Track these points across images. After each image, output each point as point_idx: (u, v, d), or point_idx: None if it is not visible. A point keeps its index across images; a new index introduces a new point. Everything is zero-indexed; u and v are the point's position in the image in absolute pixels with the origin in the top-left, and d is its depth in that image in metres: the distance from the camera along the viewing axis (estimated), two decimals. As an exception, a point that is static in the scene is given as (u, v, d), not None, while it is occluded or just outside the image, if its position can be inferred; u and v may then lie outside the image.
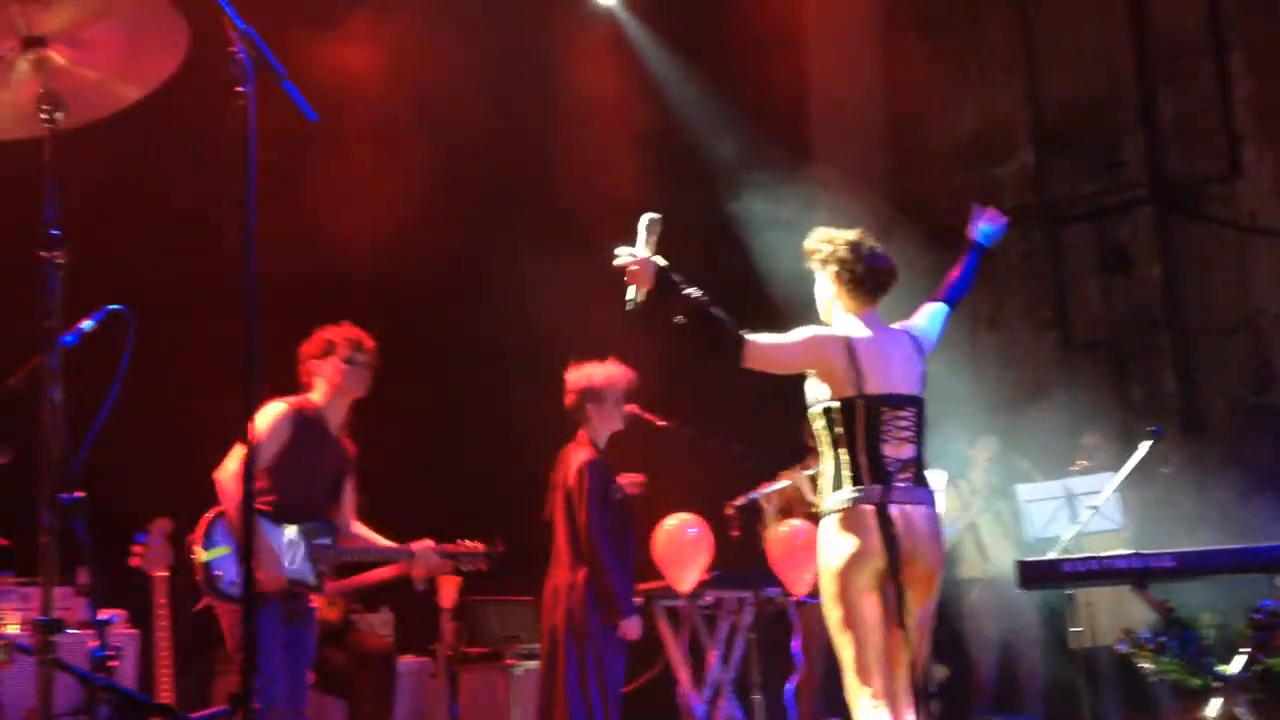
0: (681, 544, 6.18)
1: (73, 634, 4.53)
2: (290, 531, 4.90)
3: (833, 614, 4.02)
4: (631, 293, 4.10)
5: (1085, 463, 7.44)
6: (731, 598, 6.56)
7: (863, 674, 3.97)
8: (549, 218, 8.22)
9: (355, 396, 5.15)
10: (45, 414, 2.90)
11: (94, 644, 3.32)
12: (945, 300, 4.57)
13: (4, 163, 3.45)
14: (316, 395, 5.09)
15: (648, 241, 4.10)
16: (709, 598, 6.43)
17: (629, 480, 5.98)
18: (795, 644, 6.63)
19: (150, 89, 3.17)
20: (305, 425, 4.97)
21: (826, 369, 4.13)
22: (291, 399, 5.01)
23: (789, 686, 6.56)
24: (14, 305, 4.18)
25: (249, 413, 3.02)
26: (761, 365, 4.12)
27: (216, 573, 4.76)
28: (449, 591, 6.46)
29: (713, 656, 6.47)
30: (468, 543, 5.38)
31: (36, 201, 2.97)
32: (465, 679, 6.66)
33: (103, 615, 3.45)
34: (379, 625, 6.71)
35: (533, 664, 6.64)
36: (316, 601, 5.85)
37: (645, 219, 4.13)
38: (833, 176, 8.70)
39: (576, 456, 5.68)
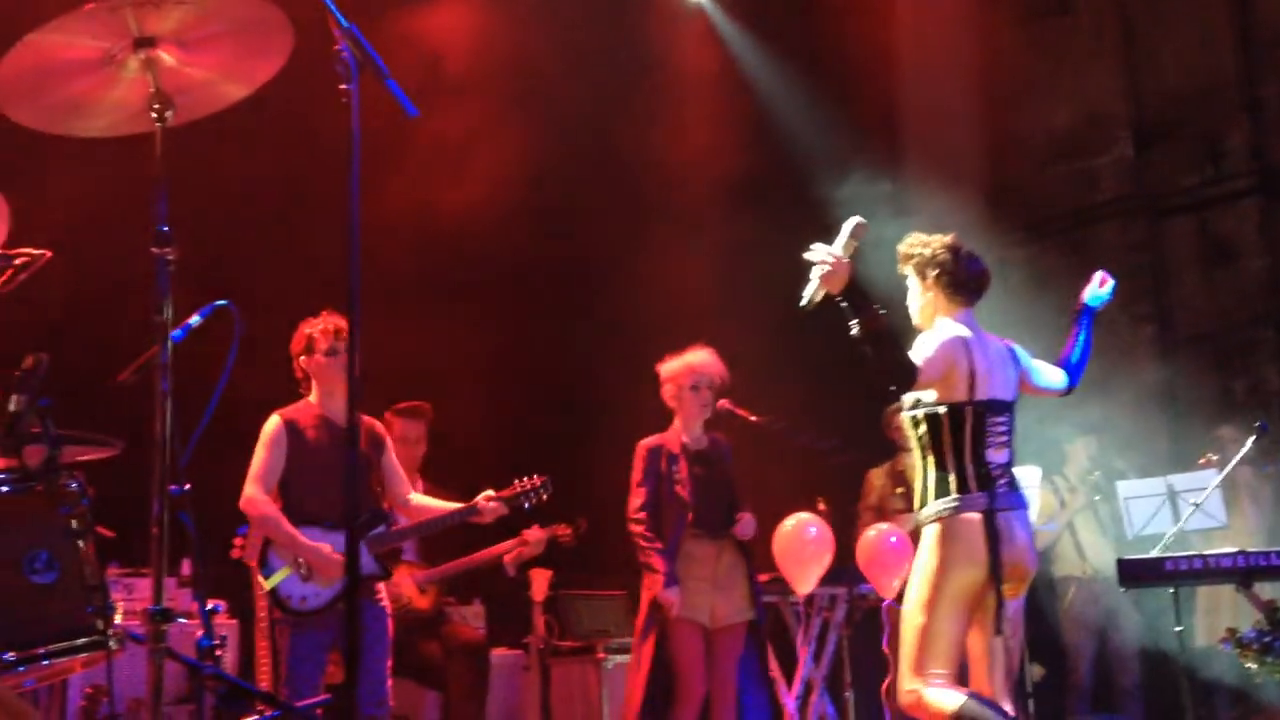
0: (803, 544, 6.13)
1: (181, 623, 4.64)
2: (337, 534, 4.85)
3: (915, 618, 4.03)
4: (810, 291, 3.99)
5: (1215, 456, 7.21)
6: (824, 594, 6.52)
7: (919, 668, 3.99)
8: (642, 206, 8.22)
9: (345, 384, 5.01)
10: (155, 407, 2.96)
11: (200, 633, 3.38)
12: (1068, 373, 4.50)
13: (116, 161, 3.52)
14: (312, 395, 5.10)
15: (847, 244, 4.00)
16: (801, 594, 6.40)
17: None
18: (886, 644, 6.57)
19: (255, 87, 3.22)
20: (302, 430, 4.98)
21: (947, 374, 4.08)
22: (285, 409, 5.04)
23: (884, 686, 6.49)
24: (124, 301, 4.31)
25: (353, 404, 3.03)
26: (919, 389, 4.08)
27: (284, 595, 4.83)
28: (540, 584, 6.49)
29: (804, 653, 6.43)
30: (523, 480, 5.30)
31: (147, 199, 3.03)
32: (557, 672, 6.68)
33: (211, 605, 3.51)
34: (471, 617, 6.76)
35: (623, 657, 6.67)
36: (407, 590, 5.97)
37: (851, 222, 4.02)
38: (926, 168, 8.59)
39: (642, 441, 5.77)
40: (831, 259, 3.95)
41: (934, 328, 4.23)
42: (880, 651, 6.33)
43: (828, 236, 7.67)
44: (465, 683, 5.97)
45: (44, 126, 3.17)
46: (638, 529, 5.64)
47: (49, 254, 3.90)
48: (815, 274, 3.98)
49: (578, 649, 6.85)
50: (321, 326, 5.05)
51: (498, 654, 6.51)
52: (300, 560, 4.84)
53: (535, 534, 6.24)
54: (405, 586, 6.02)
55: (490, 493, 5.22)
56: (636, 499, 5.68)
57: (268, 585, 4.84)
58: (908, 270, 4.34)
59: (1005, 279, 7.89)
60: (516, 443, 7.48)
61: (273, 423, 4.99)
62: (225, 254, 6.05)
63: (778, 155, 8.39)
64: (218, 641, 3.36)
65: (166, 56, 3.04)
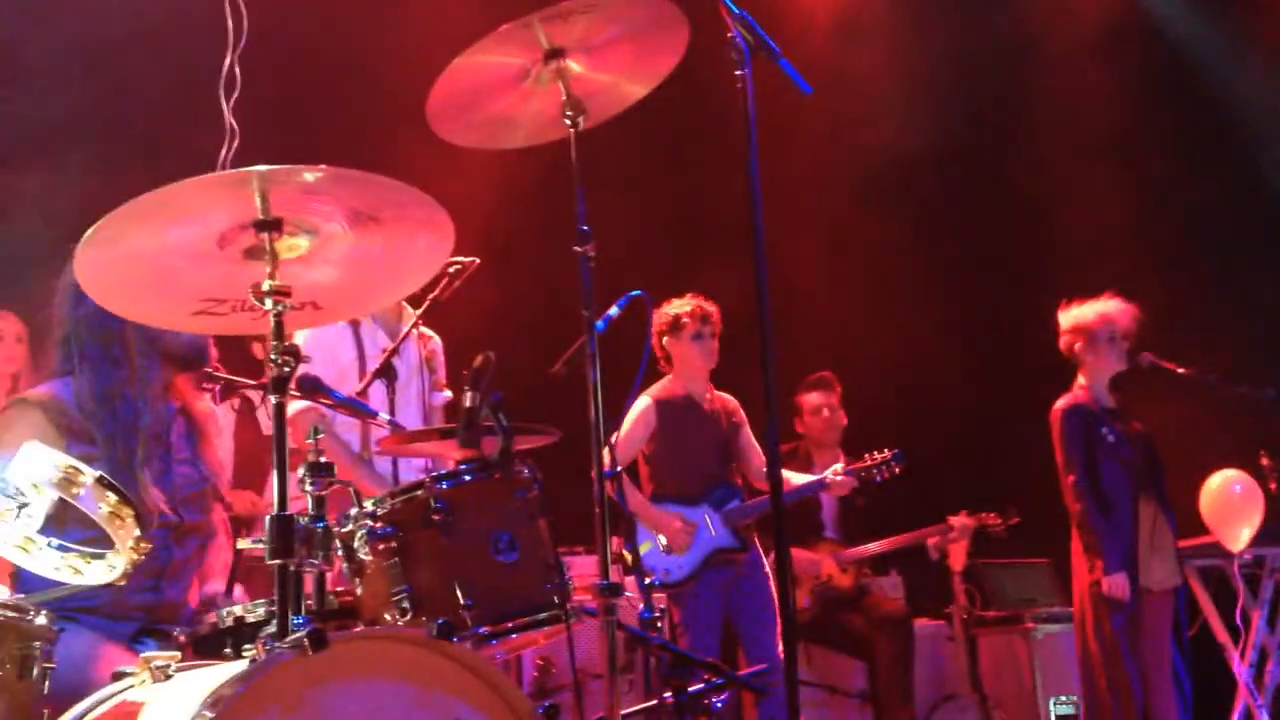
0: (1229, 501, 5.75)
1: (628, 597, 4.94)
2: (699, 507, 5.22)
3: None
4: None
5: None
6: (1275, 555, 6.04)
7: None
8: (1056, 150, 7.86)
9: (708, 368, 5.35)
10: (587, 396, 3.14)
11: (641, 606, 3.56)
12: None
13: (535, 166, 3.76)
14: (680, 376, 5.32)
15: None
16: (1247, 555, 5.96)
17: None
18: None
19: (656, 85, 3.35)
20: (670, 410, 5.26)
21: None
22: (653, 391, 5.28)
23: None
24: (548, 297, 4.61)
25: (769, 392, 3.09)
26: None
27: (649, 568, 5.11)
28: (958, 554, 6.39)
29: (1256, 618, 5.99)
30: (873, 454, 5.49)
31: (566, 200, 3.23)
32: (984, 642, 6.57)
33: (646, 580, 3.70)
34: (889, 589, 6.77)
35: (1053, 628, 6.46)
36: (828, 567, 6.07)
37: None
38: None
39: (1058, 405, 5.53)
40: None
41: None
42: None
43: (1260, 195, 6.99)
44: (890, 654, 6.01)
45: (472, 143, 3.43)
46: (1080, 504, 5.41)
47: (478, 261, 4.23)
48: None
49: (1004, 619, 6.69)
50: (689, 308, 5.29)
51: (920, 624, 6.47)
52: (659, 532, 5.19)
53: (961, 522, 6.22)
54: (826, 564, 6.13)
55: (840, 466, 5.48)
56: (1073, 469, 5.44)
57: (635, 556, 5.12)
58: None
59: None
60: (925, 406, 7.36)
61: (643, 402, 5.26)
62: (638, 246, 6.30)
63: (1188, 106, 7.77)
64: (658, 614, 3.55)
65: (574, 65, 3.21)
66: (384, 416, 3.79)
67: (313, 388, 3.38)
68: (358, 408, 3.63)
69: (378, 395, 4.33)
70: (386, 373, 4.36)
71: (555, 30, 3.12)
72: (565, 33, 3.14)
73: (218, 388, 3.73)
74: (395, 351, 4.45)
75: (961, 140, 7.72)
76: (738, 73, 3.13)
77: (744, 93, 3.14)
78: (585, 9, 3.08)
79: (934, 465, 6.41)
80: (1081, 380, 5.58)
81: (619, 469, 3.68)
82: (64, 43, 5.44)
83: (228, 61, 4.07)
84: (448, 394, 4.73)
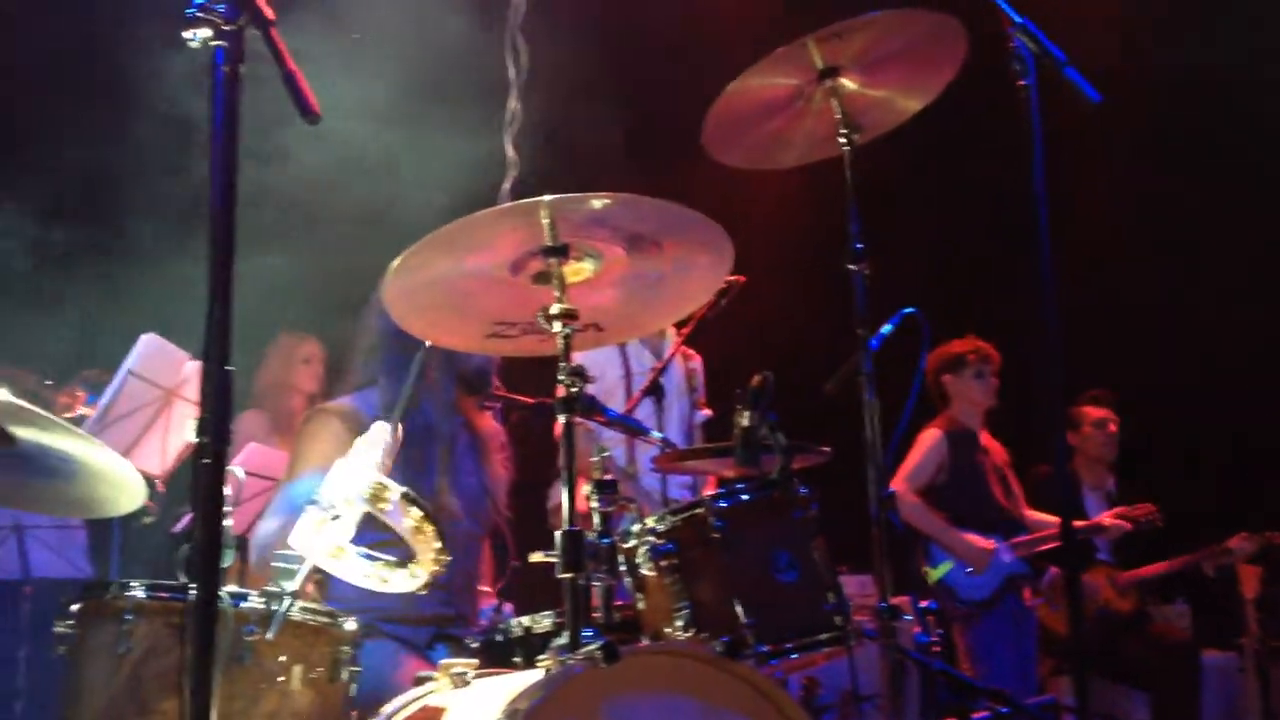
0: None
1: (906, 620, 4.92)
2: (993, 535, 5.36)
3: None
4: None
5: None
6: None
7: None
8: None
9: (986, 406, 5.53)
10: (861, 415, 3.11)
11: (917, 629, 3.50)
12: None
13: (808, 183, 3.76)
14: (958, 412, 5.50)
15: None
16: None
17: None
18: None
19: (932, 98, 3.29)
20: (956, 443, 5.44)
21: None
22: (942, 424, 5.47)
23: None
24: (819, 314, 4.58)
25: (1054, 416, 2.99)
26: None
27: (951, 585, 5.23)
28: (1250, 581, 6.06)
29: None
30: (1135, 506, 5.83)
31: (838, 217, 3.20)
32: (1278, 675, 6.16)
33: (923, 603, 3.63)
34: (1174, 617, 6.45)
35: (1359, 663, 6.02)
36: (1105, 592, 5.87)
37: None
38: None
39: None
40: None
41: None
42: None
43: None
44: (1174, 685, 5.80)
45: (745, 164, 3.47)
46: None
47: (743, 279, 4.25)
48: None
49: (1302, 651, 6.26)
50: (971, 348, 5.46)
51: (1209, 655, 6.14)
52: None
53: (1240, 544, 5.99)
54: (1104, 588, 5.92)
55: (1119, 509, 5.81)
56: None
57: (934, 576, 5.24)
58: None
59: None
60: (1219, 416, 6.90)
61: (934, 434, 5.44)
62: (911, 262, 6.19)
63: None
64: (935, 638, 3.47)
65: (848, 83, 3.20)
66: (656, 435, 3.85)
67: (589, 406, 3.47)
68: (632, 425, 3.70)
69: (645, 413, 4.43)
70: (654, 391, 4.46)
71: (829, 50, 3.12)
72: (839, 51, 3.13)
73: (499, 406, 3.88)
74: (662, 370, 4.54)
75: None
76: (1021, 82, 3.04)
77: (1028, 102, 3.05)
78: (860, 27, 3.06)
79: (1222, 482, 6.09)
80: None
81: (894, 490, 3.65)
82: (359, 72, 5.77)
83: (510, 99, 4.24)
84: (708, 412, 4.81)
